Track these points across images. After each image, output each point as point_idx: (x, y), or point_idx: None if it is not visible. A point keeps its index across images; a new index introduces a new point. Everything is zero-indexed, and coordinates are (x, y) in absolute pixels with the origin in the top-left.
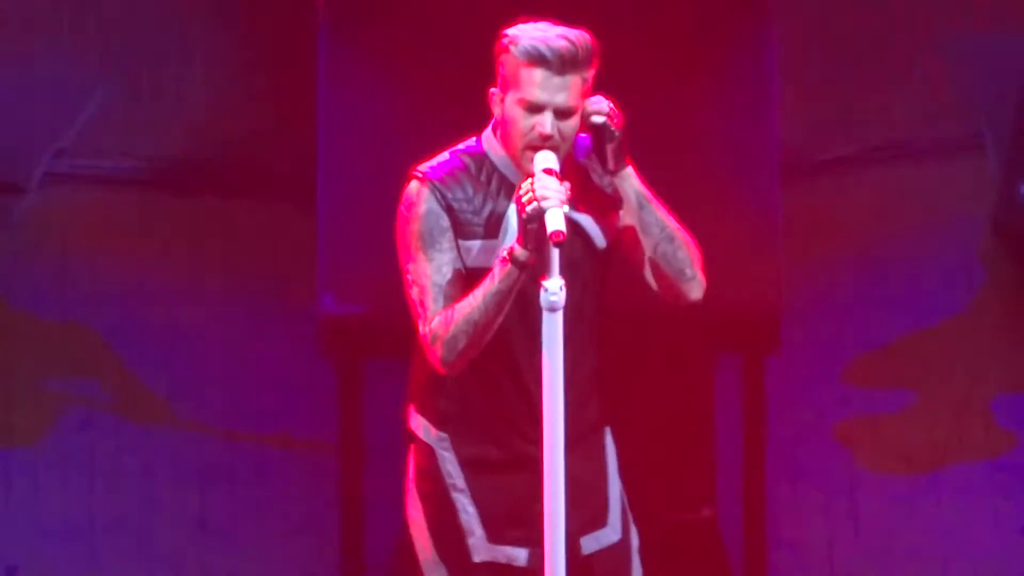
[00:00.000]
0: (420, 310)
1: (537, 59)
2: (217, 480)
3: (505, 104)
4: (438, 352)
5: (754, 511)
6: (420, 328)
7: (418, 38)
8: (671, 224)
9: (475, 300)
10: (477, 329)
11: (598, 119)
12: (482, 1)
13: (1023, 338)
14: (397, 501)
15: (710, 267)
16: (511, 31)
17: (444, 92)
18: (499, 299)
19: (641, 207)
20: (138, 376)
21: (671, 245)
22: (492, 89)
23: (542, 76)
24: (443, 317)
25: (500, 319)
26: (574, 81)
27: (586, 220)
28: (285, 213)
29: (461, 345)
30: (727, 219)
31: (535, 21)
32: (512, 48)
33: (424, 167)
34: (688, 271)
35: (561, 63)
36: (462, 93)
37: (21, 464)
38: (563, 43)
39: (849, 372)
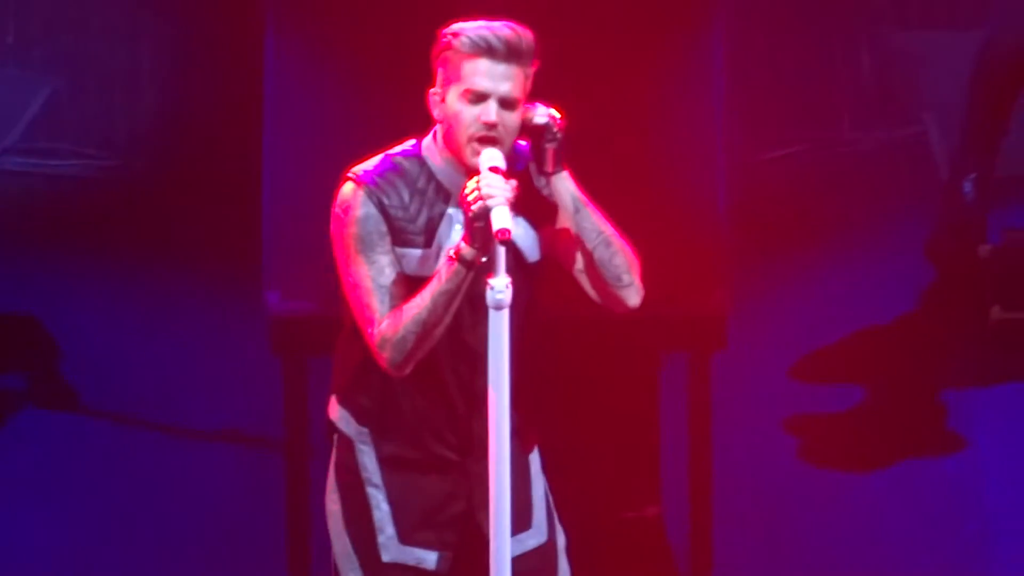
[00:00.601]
0: (366, 313)
1: (483, 48)
2: (162, 477)
3: (447, 101)
4: (387, 354)
5: (700, 509)
6: (367, 330)
7: (365, 35)
8: (607, 229)
9: (423, 300)
10: (426, 329)
11: (541, 119)
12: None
13: (971, 335)
14: None
15: (656, 265)
16: (451, 28)
17: (391, 90)
18: (447, 298)
19: (577, 211)
20: (83, 372)
21: (607, 251)
22: (432, 90)
23: (487, 65)
24: (391, 319)
25: (449, 319)
26: (517, 72)
27: (518, 233)
28: (230, 210)
29: (410, 346)
30: (672, 217)
31: (472, 20)
32: (454, 42)
33: (359, 169)
34: (625, 277)
35: (507, 51)
36: (409, 91)
37: None
38: (508, 32)
39: (796, 369)
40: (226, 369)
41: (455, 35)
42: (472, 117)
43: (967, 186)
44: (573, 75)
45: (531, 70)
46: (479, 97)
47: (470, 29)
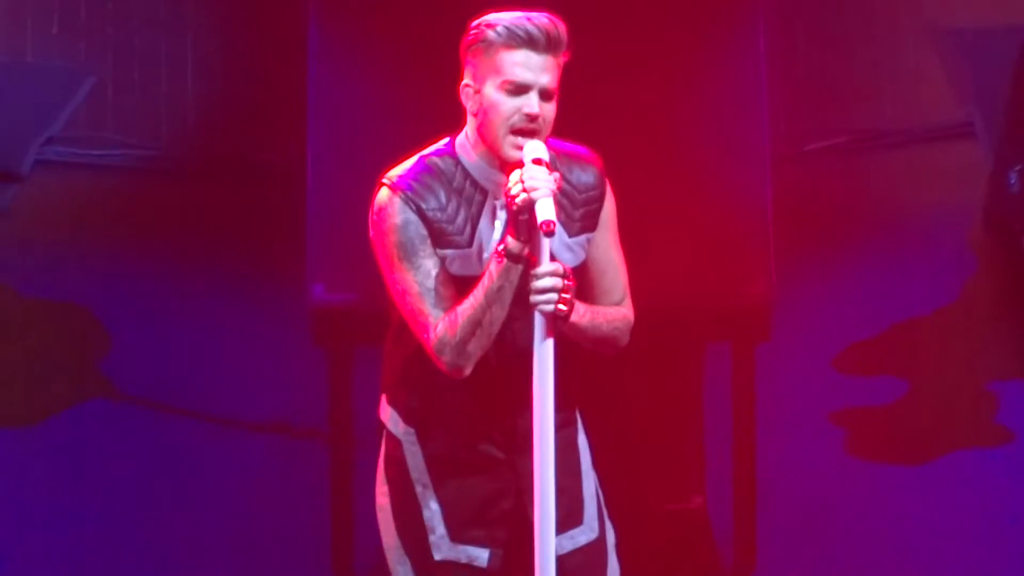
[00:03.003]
0: (419, 319)
1: (522, 40)
2: (205, 468)
3: (484, 93)
4: (446, 357)
5: (744, 501)
6: (423, 335)
7: (409, 25)
8: (607, 328)
9: (476, 300)
10: (483, 328)
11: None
12: None
13: (1014, 326)
14: None
15: (700, 257)
16: (483, 19)
17: (435, 82)
18: (501, 296)
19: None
20: (127, 362)
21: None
22: (464, 83)
23: (525, 56)
24: (447, 322)
25: (503, 314)
26: (555, 63)
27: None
28: (274, 201)
29: (469, 348)
30: (718, 209)
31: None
32: (490, 33)
33: (393, 175)
34: (624, 340)
35: (547, 42)
36: (452, 82)
37: (12, 446)
38: (546, 22)
39: (840, 361)
40: (268, 361)
41: (490, 26)
42: (513, 108)
43: (1012, 177)
44: (617, 71)
45: (563, 58)
46: (520, 89)
47: (507, 19)
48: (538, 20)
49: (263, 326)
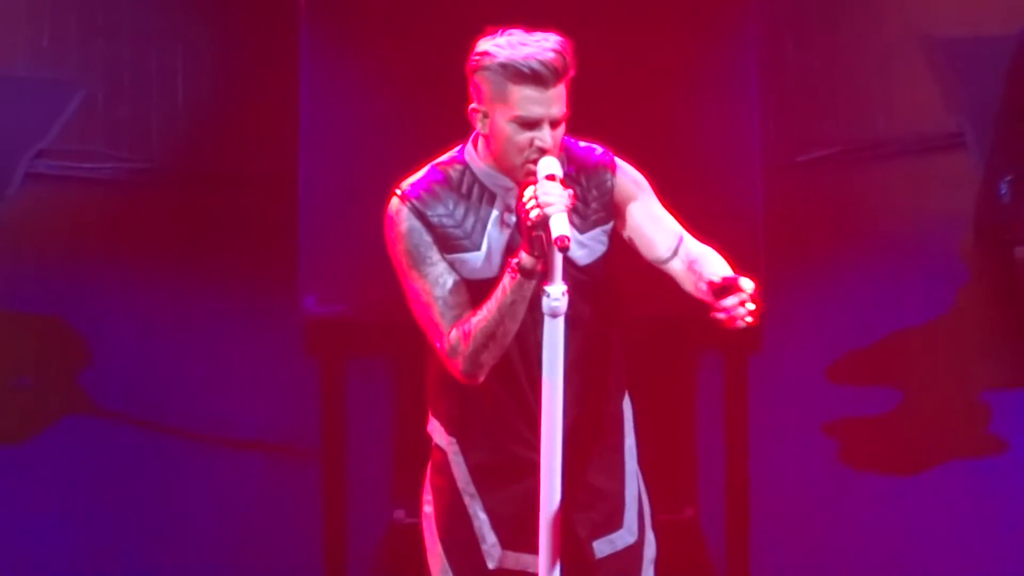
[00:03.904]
0: (432, 325)
1: (529, 77)
2: (195, 483)
3: (495, 121)
4: (459, 366)
5: (737, 511)
6: (436, 343)
7: (401, 37)
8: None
9: (489, 313)
10: (495, 340)
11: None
12: (469, 5)
13: (1006, 336)
14: (380, 502)
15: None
16: (485, 47)
17: (427, 92)
18: (514, 309)
19: None
20: (117, 377)
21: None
22: (472, 106)
23: (534, 92)
24: (460, 332)
25: (516, 326)
26: (562, 90)
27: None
28: (266, 213)
29: (483, 358)
30: (709, 220)
31: (501, 29)
32: (494, 66)
33: (405, 184)
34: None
35: (554, 77)
36: (445, 93)
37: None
38: (551, 56)
39: (833, 371)
40: (261, 374)
41: (494, 57)
42: (525, 142)
43: (1003, 187)
44: (606, 80)
45: (571, 76)
46: (532, 124)
47: (514, 54)
48: (544, 55)
49: (256, 339)
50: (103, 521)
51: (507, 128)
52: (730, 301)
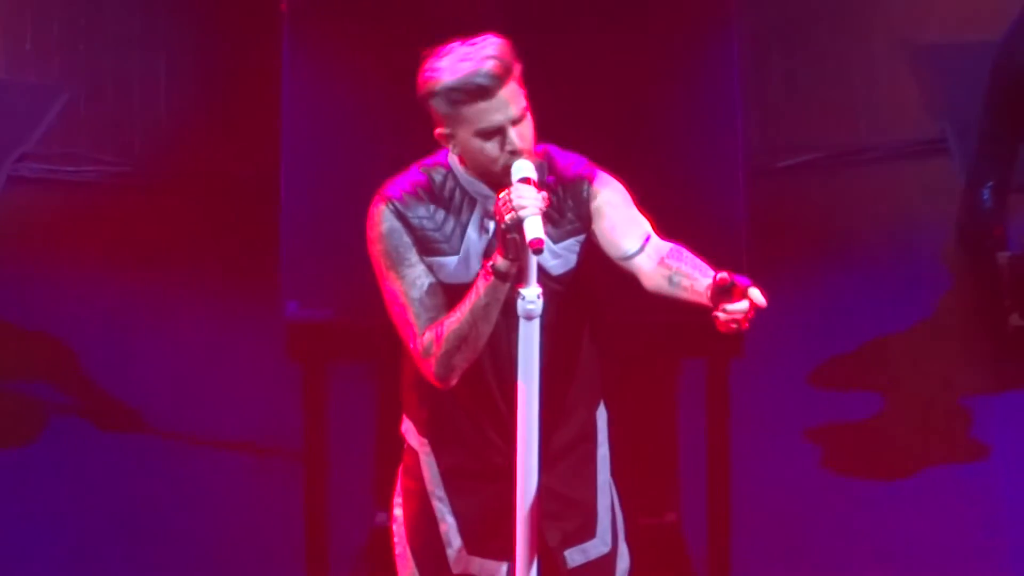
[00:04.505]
0: (406, 327)
1: (475, 93)
2: (177, 486)
3: (460, 140)
4: (432, 368)
5: (718, 516)
6: (410, 344)
7: (383, 42)
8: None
9: (462, 315)
10: (468, 343)
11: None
12: (449, 7)
13: (988, 342)
14: (362, 504)
15: None
16: (428, 74)
17: (409, 96)
18: (486, 311)
19: None
20: (100, 382)
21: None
22: (438, 130)
23: (486, 104)
24: (433, 334)
25: (489, 329)
26: (512, 88)
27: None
28: (249, 217)
29: (455, 361)
30: (692, 225)
31: (438, 50)
32: (440, 91)
33: (388, 185)
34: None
35: (498, 83)
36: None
37: None
38: (491, 64)
39: (814, 376)
40: (243, 377)
41: (436, 82)
42: (496, 151)
43: (985, 193)
44: (588, 86)
45: (518, 69)
46: (494, 132)
47: (454, 75)
48: (483, 66)
49: (238, 342)
50: (85, 523)
51: (474, 143)
52: (740, 307)
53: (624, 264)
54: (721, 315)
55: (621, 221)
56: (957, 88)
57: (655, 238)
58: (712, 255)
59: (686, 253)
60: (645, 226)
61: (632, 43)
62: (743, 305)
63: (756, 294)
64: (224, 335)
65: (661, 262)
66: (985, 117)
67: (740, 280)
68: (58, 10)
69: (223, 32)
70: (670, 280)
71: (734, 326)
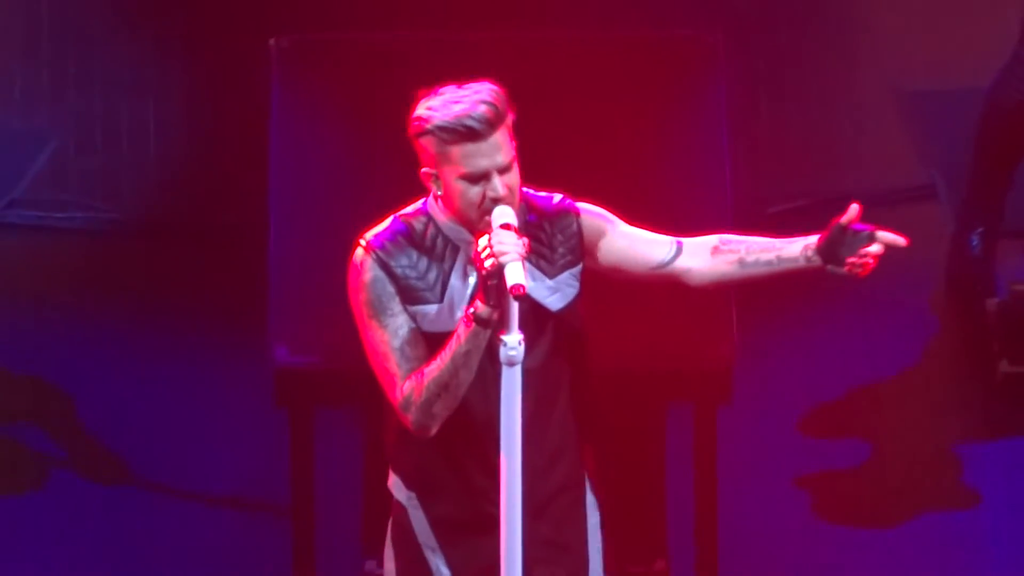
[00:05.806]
0: (387, 377)
1: (465, 135)
2: (163, 537)
3: (445, 181)
4: (411, 416)
5: (706, 564)
6: (391, 394)
7: (371, 88)
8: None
9: (443, 362)
10: (448, 391)
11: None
12: (437, 53)
13: (977, 388)
14: (351, 553)
15: (662, 318)
16: (420, 112)
17: (396, 143)
18: (467, 359)
19: None
20: (88, 428)
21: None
22: (423, 170)
23: (474, 147)
24: (413, 382)
25: (470, 377)
26: (503, 135)
27: (538, 285)
28: (237, 264)
29: (435, 409)
30: None
31: (434, 90)
32: (431, 129)
33: (370, 234)
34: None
35: (489, 128)
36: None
37: None
38: (483, 108)
39: (803, 423)
40: (231, 425)
41: (427, 121)
42: (478, 196)
43: (974, 239)
44: (577, 133)
45: (510, 119)
46: (479, 177)
47: (446, 115)
48: (475, 109)
49: (226, 390)
50: (74, 574)
51: (458, 185)
52: (875, 249)
53: (660, 272)
54: (850, 261)
55: (635, 237)
56: (945, 134)
57: (686, 238)
58: (700, 300)
59: (734, 235)
60: (663, 234)
61: (620, 90)
62: (877, 248)
63: (887, 235)
64: (213, 382)
65: (717, 251)
66: (974, 163)
67: (872, 227)
68: (47, 56)
69: (212, 80)
70: (741, 263)
71: (860, 270)
